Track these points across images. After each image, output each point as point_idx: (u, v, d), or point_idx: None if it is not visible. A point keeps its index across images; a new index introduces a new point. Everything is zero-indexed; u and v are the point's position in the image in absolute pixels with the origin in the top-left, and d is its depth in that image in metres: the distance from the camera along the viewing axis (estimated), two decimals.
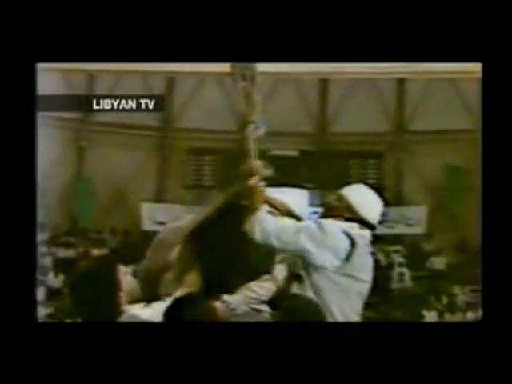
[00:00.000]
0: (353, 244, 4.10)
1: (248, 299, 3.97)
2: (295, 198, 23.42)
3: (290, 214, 4.34)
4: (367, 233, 4.34)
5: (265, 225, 3.98)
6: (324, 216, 4.33)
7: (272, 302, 3.95)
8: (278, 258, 4.18)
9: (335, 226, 4.14)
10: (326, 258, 4.00)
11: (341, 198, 4.37)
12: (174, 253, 4.07)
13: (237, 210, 4.03)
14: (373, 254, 4.44)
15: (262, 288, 4.02)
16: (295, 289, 4.00)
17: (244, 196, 4.09)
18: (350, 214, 4.29)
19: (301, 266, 4.08)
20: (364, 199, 4.44)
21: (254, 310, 3.95)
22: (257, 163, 4.20)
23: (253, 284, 4.00)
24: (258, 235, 3.96)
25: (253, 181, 4.08)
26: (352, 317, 4.09)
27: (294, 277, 4.08)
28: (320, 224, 4.10)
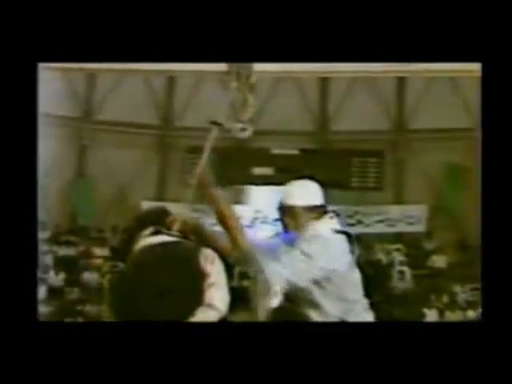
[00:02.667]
0: (349, 236, 4.03)
1: None
2: None
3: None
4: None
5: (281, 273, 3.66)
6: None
7: None
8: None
9: (322, 232, 3.99)
10: (338, 264, 3.88)
11: (290, 211, 4.19)
12: None
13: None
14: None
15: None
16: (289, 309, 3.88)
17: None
18: (313, 214, 4.11)
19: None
20: (306, 193, 4.21)
21: None
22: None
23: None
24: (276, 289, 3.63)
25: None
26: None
27: (286, 300, 3.90)
28: (314, 237, 3.92)
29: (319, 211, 4.15)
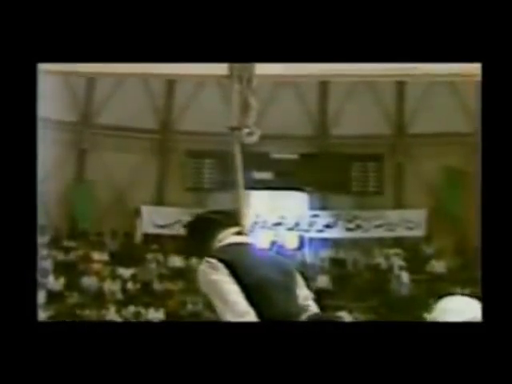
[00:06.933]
0: None
1: None
2: (295, 201, 23.48)
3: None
4: None
5: None
6: None
7: None
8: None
9: None
10: None
11: None
12: None
13: None
14: None
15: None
16: None
17: None
18: None
19: None
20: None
21: None
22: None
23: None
24: None
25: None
26: None
27: None
28: None
29: None
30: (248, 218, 3.95)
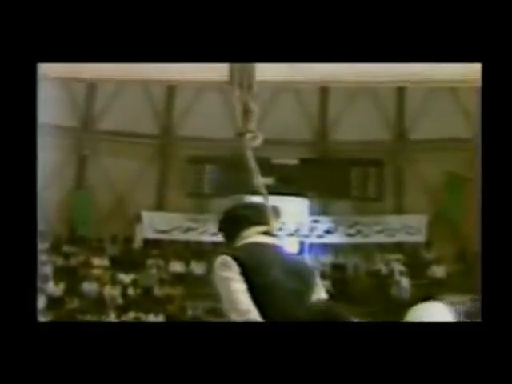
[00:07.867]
0: None
1: None
2: (295, 206, 23.47)
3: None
4: None
5: None
6: None
7: None
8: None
9: None
10: None
11: None
12: None
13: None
14: None
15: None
16: None
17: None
18: None
19: None
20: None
21: None
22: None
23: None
24: None
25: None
26: None
27: None
28: None
29: None
30: (277, 219, 3.98)
